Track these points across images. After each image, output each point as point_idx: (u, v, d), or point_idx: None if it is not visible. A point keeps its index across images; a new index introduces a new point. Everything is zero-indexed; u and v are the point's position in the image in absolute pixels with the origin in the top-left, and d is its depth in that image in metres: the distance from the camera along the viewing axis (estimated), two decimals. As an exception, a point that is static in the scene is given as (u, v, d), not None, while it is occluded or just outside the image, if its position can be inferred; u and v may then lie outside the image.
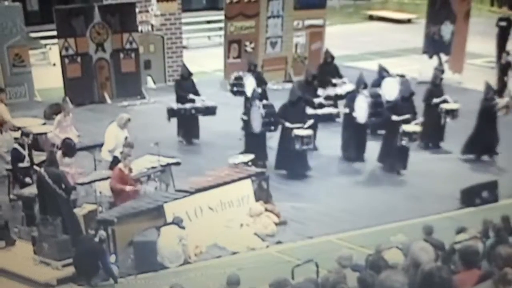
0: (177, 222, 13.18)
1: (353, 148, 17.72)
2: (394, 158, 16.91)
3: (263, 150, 17.29)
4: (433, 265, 8.72)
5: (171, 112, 18.82)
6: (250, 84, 19.20)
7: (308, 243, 13.91)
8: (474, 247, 9.85)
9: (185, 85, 19.07)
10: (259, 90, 19.07)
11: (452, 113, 18.07)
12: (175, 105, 18.84)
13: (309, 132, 16.59)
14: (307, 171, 16.95)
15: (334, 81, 20.10)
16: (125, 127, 15.51)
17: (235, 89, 19.78)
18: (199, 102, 18.83)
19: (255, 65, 20.25)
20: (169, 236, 13.05)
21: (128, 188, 13.81)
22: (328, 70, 20.41)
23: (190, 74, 19.26)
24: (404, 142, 16.60)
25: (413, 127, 16.66)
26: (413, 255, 9.24)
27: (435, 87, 18.61)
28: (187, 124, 19.01)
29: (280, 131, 16.97)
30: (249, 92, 18.81)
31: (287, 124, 16.61)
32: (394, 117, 16.72)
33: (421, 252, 9.16)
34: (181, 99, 18.90)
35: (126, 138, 15.15)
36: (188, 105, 18.73)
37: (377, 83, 18.73)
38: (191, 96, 18.86)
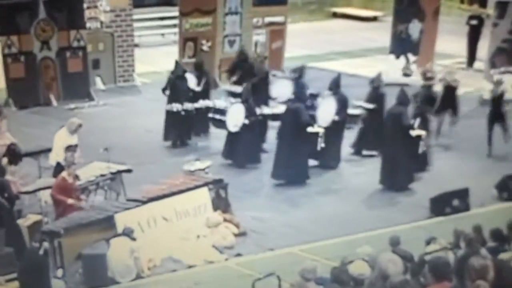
0: (128, 233, 13.14)
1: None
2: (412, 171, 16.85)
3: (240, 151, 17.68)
4: (402, 278, 8.84)
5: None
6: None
7: (270, 255, 13.94)
8: (444, 258, 9.97)
9: (179, 84, 19.12)
10: (198, 89, 19.45)
11: None
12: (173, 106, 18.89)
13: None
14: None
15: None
16: (75, 132, 15.42)
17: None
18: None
19: (199, 64, 20.39)
20: (120, 249, 13.01)
21: (69, 201, 13.68)
22: (243, 69, 20.58)
23: (184, 71, 19.47)
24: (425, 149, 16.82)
25: (421, 131, 16.82)
26: (380, 267, 9.35)
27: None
28: (181, 125, 19.05)
29: (282, 132, 16.93)
30: None
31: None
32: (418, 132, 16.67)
33: (389, 264, 9.27)
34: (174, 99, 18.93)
35: (76, 145, 15.10)
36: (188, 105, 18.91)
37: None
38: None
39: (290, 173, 16.77)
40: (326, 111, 17.57)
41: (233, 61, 21.29)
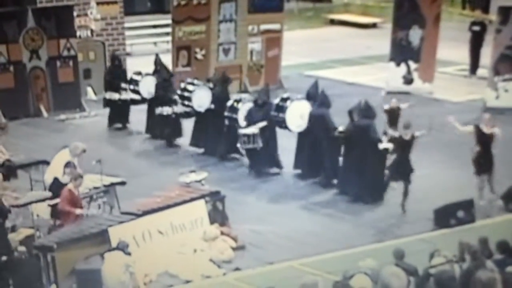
0: (122, 248, 13.15)
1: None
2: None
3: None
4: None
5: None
6: (146, 84, 20.29)
7: (269, 269, 13.98)
8: (449, 272, 10.07)
9: (166, 87, 20.06)
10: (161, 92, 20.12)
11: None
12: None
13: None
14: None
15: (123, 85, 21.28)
16: (78, 157, 15.36)
17: (131, 87, 20.97)
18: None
19: (160, 64, 20.84)
20: (114, 264, 13.01)
21: (78, 211, 13.78)
22: (116, 74, 21.28)
23: (171, 75, 20.60)
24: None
25: (388, 144, 16.86)
26: (383, 282, 9.39)
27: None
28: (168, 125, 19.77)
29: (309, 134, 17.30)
30: (145, 93, 20.26)
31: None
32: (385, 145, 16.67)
33: (392, 278, 9.31)
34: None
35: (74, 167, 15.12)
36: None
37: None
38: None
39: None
40: (297, 115, 17.75)
41: (108, 67, 22.04)
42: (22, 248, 13.00)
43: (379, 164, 16.67)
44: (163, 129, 19.96)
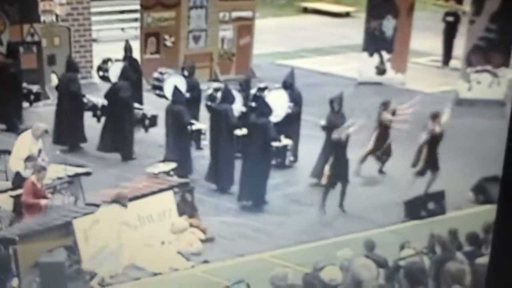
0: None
1: None
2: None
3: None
4: (376, 284, 9.07)
5: None
6: (116, 70, 19.96)
7: (239, 261, 14.09)
8: (419, 263, 10.24)
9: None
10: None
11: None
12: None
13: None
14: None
15: None
16: (40, 138, 15.33)
17: (101, 73, 21.01)
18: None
19: (130, 50, 20.94)
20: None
21: (43, 201, 13.77)
22: (14, 65, 21.02)
23: (77, 70, 20.02)
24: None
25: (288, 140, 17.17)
26: (353, 272, 9.58)
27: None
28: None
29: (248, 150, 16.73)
30: (114, 78, 19.79)
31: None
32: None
33: (362, 269, 9.51)
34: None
35: (40, 150, 15.05)
36: None
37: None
38: None
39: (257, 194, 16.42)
40: (277, 105, 17.69)
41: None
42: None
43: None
44: None
